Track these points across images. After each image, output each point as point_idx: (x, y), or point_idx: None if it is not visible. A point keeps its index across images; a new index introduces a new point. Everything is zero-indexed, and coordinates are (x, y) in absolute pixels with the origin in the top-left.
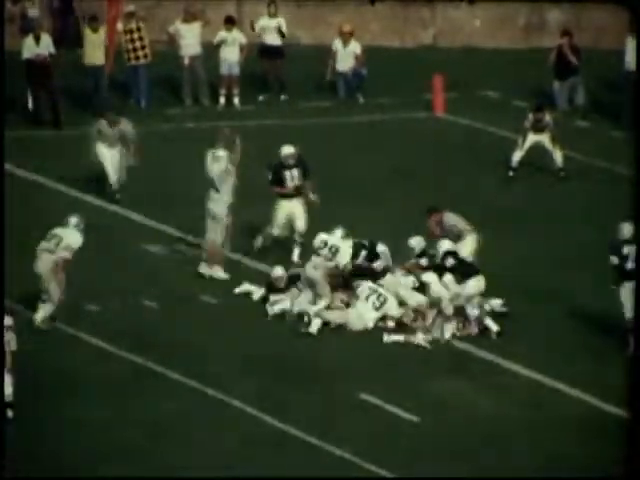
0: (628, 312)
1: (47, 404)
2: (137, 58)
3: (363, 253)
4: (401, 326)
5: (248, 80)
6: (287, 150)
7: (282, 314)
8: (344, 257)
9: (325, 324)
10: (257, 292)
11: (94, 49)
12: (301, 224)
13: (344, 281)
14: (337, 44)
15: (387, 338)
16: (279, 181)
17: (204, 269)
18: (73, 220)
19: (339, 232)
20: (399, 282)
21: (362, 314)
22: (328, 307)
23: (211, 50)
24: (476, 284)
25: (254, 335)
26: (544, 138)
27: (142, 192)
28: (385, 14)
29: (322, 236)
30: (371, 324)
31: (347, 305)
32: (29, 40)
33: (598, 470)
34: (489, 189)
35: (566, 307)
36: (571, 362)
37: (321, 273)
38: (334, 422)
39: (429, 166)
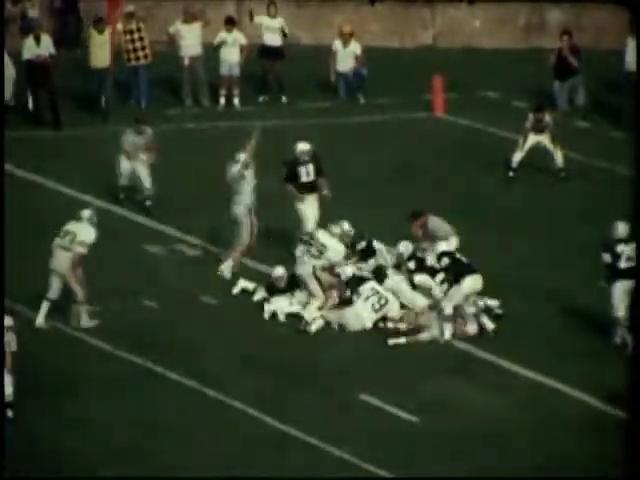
0: (619, 311)
1: (47, 404)
2: (137, 58)
3: (362, 244)
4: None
5: (248, 81)
6: (302, 146)
7: (274, 314)
8: (335, 254)
9: (327, 324)
10: (258, 292)
11: (101, 51)
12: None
13: (346, 284)
14: (337, 44)
15: (392, 341)
16: (294, 177)
17: (226, 269)
18: (86, 213)
19: (344, 225)
20: (402, 284)
21: (359, 314)
22: (322, 307)
23: (211, 51)
24: (471, 283)
25: (254, 335)
26: (544, 138)
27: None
28: (385, 14)
29: (311, 232)
30: (369, 324)
31: (348, 303)
32: (29, 41)
33: (597, 470)
34: (489, 189)
35: (566, 307)
36: (571, 362)
37: (310, 271)
38: (334, 422)
39: (429, 166)
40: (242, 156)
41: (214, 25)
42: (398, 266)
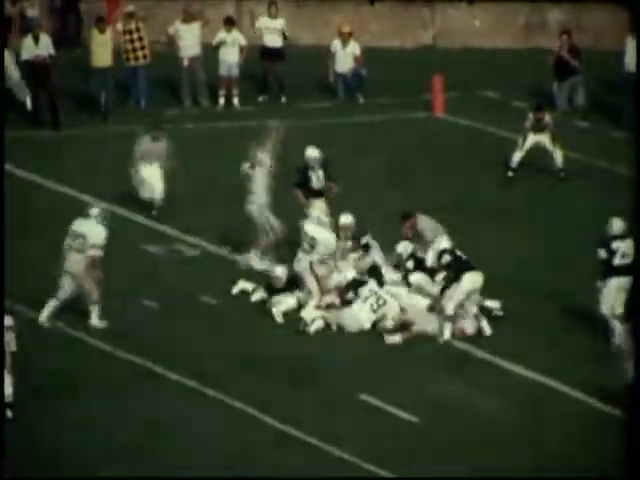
0: (607, 309)
1: (47, 404)
2: (136, 59)
3: (366, 238)
4: (402, 326)
5: (247, 81)
6: (312, 152)
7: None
8: (326, 247)
9: (327, 324)
10: (257, 292)
11: (102, 50)
12: None
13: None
14: (336, 45)
15: (389, 339)
16: (306, 182)
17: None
18: (94, 211)
19: (346, 218)
20: (400, 288)
21: (356, 315)
22: (319, 305)
23: (210, 51)
24: (471, 280)
25: (254, 335)
26: (544, 138)
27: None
28: (385, 14)
29: (306, 227)
30: (367, 325)
31: (348, 304)
32: (28, 40)
33: (597, 470)
34: (489, 189)
35: (566, 307)
36: (571, 362)
37: (306, 266)
38: (334, 422)
39: (429, 166)
40: (257, 155)
41: (213, 25)
42: (397, 266)
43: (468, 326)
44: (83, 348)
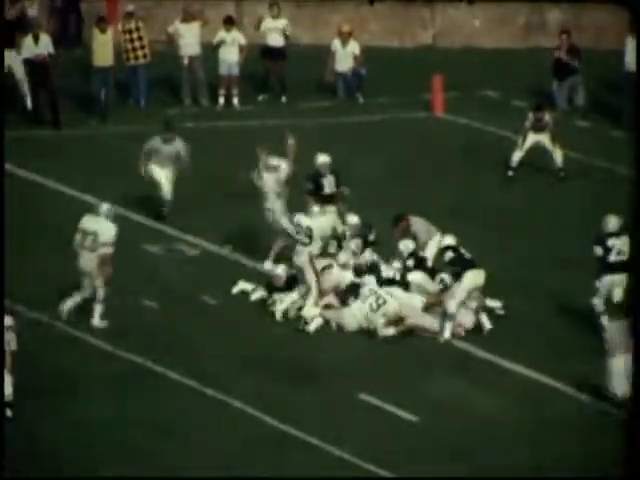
0: (600, 305)
1: (47, 404)
2: (136, 58)
3: (373, 235)
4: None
5: (248, 80)
6: (323, 159)
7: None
8: (322, 230)
9: (326, 323)
10: (257, 292)
11: (103, 50)
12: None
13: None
14: (336, 44)
15: (382, 332)
16: (318, 189)
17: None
18: (104, 208)
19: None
20: (396, 289)
21: (355, 314)
22: (317, 302)
23: (210, 50)
24: (472, 278)
25: (254, 335)
26: (544, 138)
27: (142, 192)
28: (384, 14)
29: (298, 219)
30: (366, 324)
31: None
32: (28, 40)
33: (597, 470)
34: (489, 189)
35: (566, 307)
36: (571, 362)
37: (306, 259)
38: (334, 422)
39: (429, 166)
40: (267, 160)
41: (213, 24)
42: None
43: (467, 320)
44: (83, 348)
